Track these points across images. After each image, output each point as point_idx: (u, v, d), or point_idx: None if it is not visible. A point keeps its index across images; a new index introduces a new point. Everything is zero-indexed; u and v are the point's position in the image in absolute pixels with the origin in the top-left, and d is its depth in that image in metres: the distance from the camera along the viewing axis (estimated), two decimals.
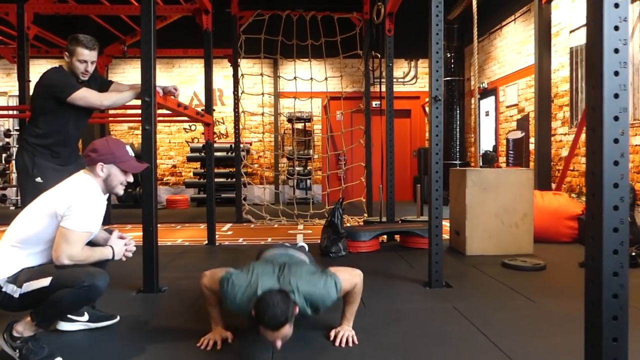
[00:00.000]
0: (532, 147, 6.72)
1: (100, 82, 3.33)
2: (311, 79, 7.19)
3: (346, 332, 2.33)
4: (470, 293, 3.21)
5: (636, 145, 4.70)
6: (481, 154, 4.95)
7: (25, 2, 5.01)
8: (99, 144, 2.18)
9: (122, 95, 3.14)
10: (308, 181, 9.65)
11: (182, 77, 9.77)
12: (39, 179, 3.01)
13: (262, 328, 2.01)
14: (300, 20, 7.05)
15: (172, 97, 3.33)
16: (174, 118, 6.22)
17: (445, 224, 4.95)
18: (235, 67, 6.90)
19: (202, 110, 5.15)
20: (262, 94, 7.70)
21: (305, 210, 7.13)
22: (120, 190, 2.24)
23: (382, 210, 5.88)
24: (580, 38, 5.58)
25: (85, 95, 2.97)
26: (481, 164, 4.69)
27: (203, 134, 7.03)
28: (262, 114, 8.30)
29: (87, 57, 2.97)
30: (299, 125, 9.80)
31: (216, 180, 9.47)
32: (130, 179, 2.26)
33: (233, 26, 6.88)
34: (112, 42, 7.09)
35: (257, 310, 2.02)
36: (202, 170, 9.34)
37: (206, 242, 5.11)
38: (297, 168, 9.47)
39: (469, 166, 9.09)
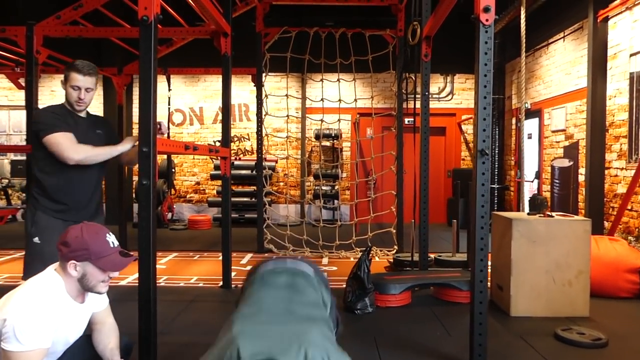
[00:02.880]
0: (581, 178, 6.08)
1: (109, 135, 2.96)
2: (339, 100, 6.72)
3: None
4: None
5: None
6: (529, 197, 4.39)
7: (35, 24, 4.72)
8: (71, 236, 1.77)
9: (98, 152, 2.73)
10: (335, 201, 9.19)
11: (208, 92, 9.47)
12: (36, 239, 2.64)
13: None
14: (329, 37, 6.60)
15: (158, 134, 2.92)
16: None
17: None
18: (260, 86, 6.51)
19: (218, 142, 4.75)
20: (287, 116, 7.26)
21: (331, 234, 6.63)
22: (102, 289, 1.84)
23: (414, 245, 5.40)
24: None
25: (58, 142, 2.58)
26: (528, 210, 4.12)
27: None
28: (287, 138, 7.85)
29: (80, 82, 2.65)
30: (327, 143, 9.36)
31: (241, 199, 9.22)
32: (115, 274, 1.85)
33: (258, 44, 6.49)
34: (133, 60, 6.80)
35: None
36: (222, 188, 8.99)
37: (221, 284, 4.72)
38: (324, 187, 9.02)
39: (507, 190, 8.47)
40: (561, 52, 6.56)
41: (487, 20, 2.76)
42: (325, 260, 6.09)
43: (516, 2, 6.74)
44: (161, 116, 9.12)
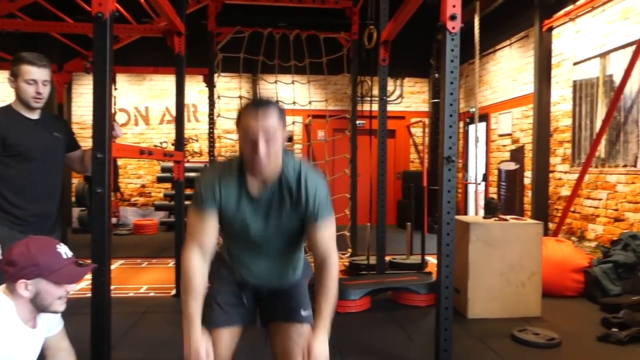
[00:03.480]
0: (527, 181, 6.33)
1: (69, 137, 2.72)
2: (294, 102, 6.64)
3: (322, 352, 1.70)
4: None
5: None
6: (485, 201, 4.50)
7: None
8: (16, 253, 1.59)
9: None
10: None
11: (154, 91, 9.11)
12: None
13: (245, 117, 1.65)
14: (283, 39, 6.50)
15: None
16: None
17: (434, 260, 4.84)
18: (212, 87, 6.33)
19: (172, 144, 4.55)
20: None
21: None
22: (59, 307, 1.67)
23: (370, 248, 5.43)
24: (584, 71, 5.20)
25: None
26: (484, 214, 4.22)
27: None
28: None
29: (36, 75, 2.36)
30: None
31: (188, 202, 8.89)
32: (73, 287, 1.69)
33: (210, 43, 6.30)
34: (73, 57, 6.41)
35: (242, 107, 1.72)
36: (174, 192, 8.68)
37: (174, 292, 4.53)
38: None
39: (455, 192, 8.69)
40: (508, 59, 6.80)
41: (453, 28, 2.78)
42: None
43: (463, 10, 6.94)
44: None
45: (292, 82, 6.63)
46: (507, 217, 4.28)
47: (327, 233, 1.84)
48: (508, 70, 6.79)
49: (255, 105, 1.66)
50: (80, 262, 1.73)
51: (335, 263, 1.84)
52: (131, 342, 3.39)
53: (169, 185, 8.91)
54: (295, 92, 7.37)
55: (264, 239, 1.85)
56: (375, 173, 4.89)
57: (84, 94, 8.86)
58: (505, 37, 6.75)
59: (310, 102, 6.80)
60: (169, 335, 3.52)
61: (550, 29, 5.73)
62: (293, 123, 7.57)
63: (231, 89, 8.65)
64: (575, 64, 5.34)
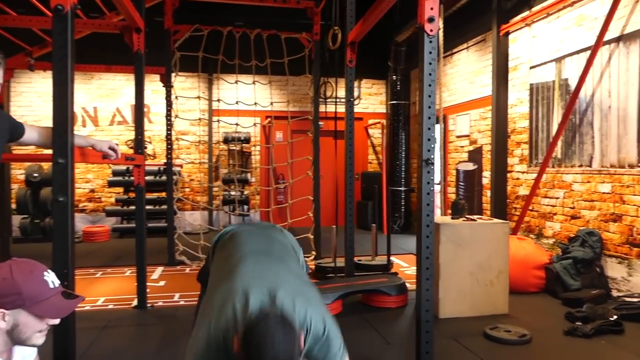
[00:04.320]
0: (485, 181, 6.49)
1: (11, 124, 2.41)
2: (255, 103, 6.52)
3: None
4: None
5: (603, 192, 4.52)
6: (451, 202, 4.56)
7: None
8: None
9: None
10: (245, 207, 8.94)
11: (103, 90, 8.70)
12: None
13: None
14: (244, 38, 6.35)
15: (110, 158, 2.57)
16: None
17: (401, 261, 4.87)
18: (169, 87, 6.09)
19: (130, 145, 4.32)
20: (199, 119, 6.91)
21: None
22: (38, 341, 1.49)
23: (336, 251, 5.39)
24: (540, 75, 5.39)
25: None
26: (451, 215, 4.27)
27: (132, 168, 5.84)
28: (199, 142, 7.51)
29: None
30: (236, 147, 9.05)
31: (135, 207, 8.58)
32: (56, 321, 1.52)
33: (167, 41, 6.07)
34: (16, 53, 6.00)
35: (248, 338, 1.44)
36: (127, 197, 8.33)
37: (135, 304, 4.31)
38: (234, 193, 8.72)
39: (413, 192, 8.81)
40: (465, 61, 6.96)
41: (431, 30, 2.77)
42: None
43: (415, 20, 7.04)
44: (47, 117, 8.23)
45: (254, 83, 6.50)
46: (475, 217, 4.35)
47: None
48: (465, 73, 6.95)
49: None
50: (69, 292, 1.56)
51: None
52: (94, 359, 3.18)
53: (120, 189, 8.54)
54: (251, 93, 7.26)
55: None
56: (338, 174, 4.86)
57: (24, 92, 8.34)
58: (463, 41, 6.90)
59: (272, 103, 6.70)
60: (134, 351, 3.34)
61: (507, 33, 5.90)
62: (255, 124, 7.44)
63: (186, 89, 8.40)
64: (531, 67, 5.52)
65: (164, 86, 6.31)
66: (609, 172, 4.46)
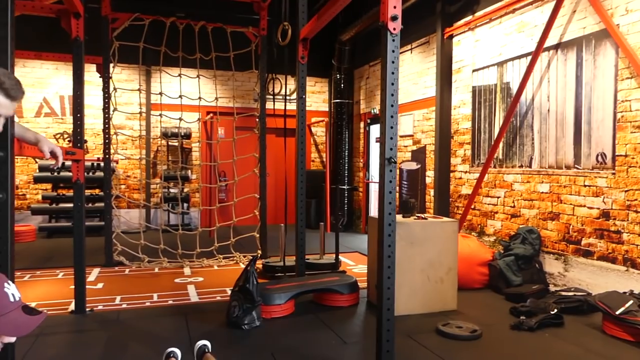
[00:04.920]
0: (428, 180, 6.66)
1: None
2: (199, 98, 6.28)
3: None
4: None
5: (542, 192, 4.76)
6: (402, 200, 4.62)
7: None
8: None
9: None
10: (185, 205, 8.64)
11: (28, 80, 8.06)
12: None
13: None
14: (188, 31, 6.10)
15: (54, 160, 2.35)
16: None
17: (347, 259, 4.43)
18: (107, 78, 5.74)
19: (68, 137, 4.02)
20: (140, 112, 6.61)
21: (185, 241, 6.11)
22: None
23: (284, 250, 5.32)
24: (483, 78, 5.59)
25: None
26: (402, 214, 4.32)
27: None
28: (138, 137, 7.14)
29: (5, 110, 1.76)
30: (175, 142, 8.72)
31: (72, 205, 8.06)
32: (11, 339, 1.34)
33: (104, 29, 5.71)
34: None
35: None
36: (55, 194, 7.79)
37: (72, 308, 4.01)
38: (173, 190, 8.40)
39: (357, 191, 8.90)
40: (409, 63, 7.09)
41: (394, 29, 2.77)
42: (187, 271, 5.63)
43: (364, 15, 7.12)
44: None
45: (198, 77, 6.27)
46: (425, 215, 4.44)
47: None
48: (409, 74, 7.08)
49: None
50: (29, 307, 1.38)
51: None
52: None
53: (48, 185, 7.99)
54: (191, 87, 7.02)
55: None
56: (284, 172, 4.79)
57: None
58: (407, 42, 7.03)
59: (217, 99, 6.50)
60: (74, 358, 3.10)
61: (451, 36, 6.08)
62: (199, 120, 7.21)
63: (122, 81, 7.97)
64: (474, 70, 5.71)
65: (100, 77, 5.94)
66: (547, 172, 4.71)
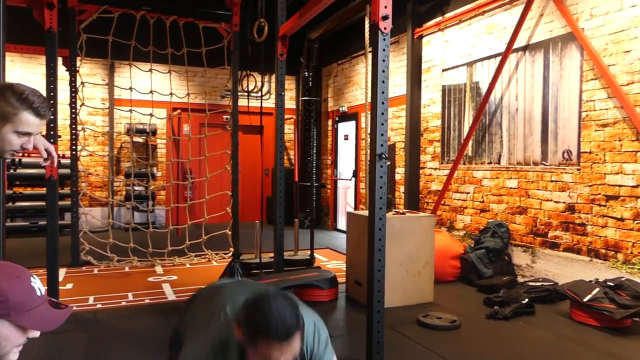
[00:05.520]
0: (398, 176, 6.81)
1: None
2: (171, 94, 6.18)
3: None
4: None
5: (510, 187, 4.98)
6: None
7: None
8: None
9: None
10: (151, 203, 8.44)
11: None
12: None
13: (265, 347, 1.37)
14: (159, 25, 5.98)
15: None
16: None
17: (320, 255, 4.39)
18: (74, 72, 5.55)
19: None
20: (109, 107, 6.41)
21: (150, 240, 5.97)
22: (14, 356, 1.28)
23: (259, 247, 5.32)
24: (452, 78, 5.77)
25: None
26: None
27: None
28: (102, 133, 6.92)
29: (34, 128, 1.70)
30: (140, 139, 8.52)
31: (31, 204, 7.74)
32: (36, 334, 1.31)
33: (71, 21, 5.52)
34: None
35: (250, 315, 1.40)
36: (12, 191, 7.46)
37: None
38: (137, 188, 8.20)
39: (324, 188, 8.98)
40: None
41: (385, 28, 2.83)
42: (159, 269, 5.53)
43: (334, 14, 7.19)
44: None
45: (169, 72, 6.16)
46: (403, 210, 4.55)
47: None
48: None
49: (279, 336, 1.38)
50: (55, 301, 1.35)
51: None
52: None
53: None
54: (158, 83, 6.88)
55: None
56: (251, 170, 4.80)
57: None
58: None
59: (188, 95, 6.41)
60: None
61: (421, 36, 6.24)
62: (170, 117, 7.07)
63: (84, 75, 7.69)
64: (444, 70, 5.89)
65: (66, 70, 5.73)
66: (515, 169, 4.92)
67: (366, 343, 2.95)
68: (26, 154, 7.79)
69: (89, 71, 8.10)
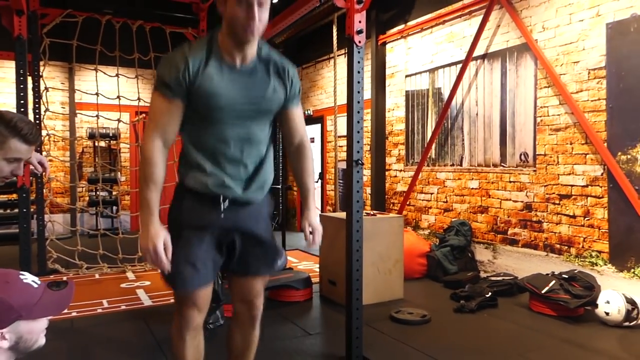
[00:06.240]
0: (364, 179, 7.02)
1: None
2: (139, 99, 6.15)
3: (320, 225, 2.12)
4: None
5: (472, 188, 5.26)
6: (341, 199, 4.90)
7: None
8: None
9: None
10: (114, 208, 8.33)
11: None
12: None
13: None
14: (125, 30, 5.95)
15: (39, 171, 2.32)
16: None
17: (291, 257, 4.53)
18: (37, 77, 5.45)
19: None
20: (77, 113, 6.31)
21: (128, 246, 5.95)
22: (43, 341, 1.39)
23: None
24: (415, 83, 6.03)
25: None
26: (341, 210, 4.58)
27: None
28: (63, 138, 6.81)
29: (23, 154, 1.76)
30: (103, 143, 8.39)
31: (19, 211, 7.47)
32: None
33: (33, 25, 5.41)
34: None
35: None
36: (17, 200, 7.23)
37: None
38: (102, 193, 8.07)
39: (290, 190, 9.10)
40: (343, 66, 7.40)
41: (359, 41, 3.01)
42: (131, 275, 5.51)
43: (298, 20, 7.33)
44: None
45: (137, 77, 6.13)
46: (373, 212, 4.74)
47: (302, 117, 2.06)
48: (343, 77, 7.39)
49: None
50: (54, 282, 1.46)
51: (310, 146, 2.14)
52: None
53: None
54: (123, 87, 6.81)
55: (241, 117, 1.84)
56: None
57: None
58: (341, 47, 7.33)
59: (139, 99, 6.38)
60: None
61: (385, 43, 6.47)
62: (136, 121, 6.99)
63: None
64: (407, 76, 6.14)
65: (29, 75, 5.60)
66: (476, 170, 5.21)
67: (346, 339, 3.12)
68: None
69: (47, 74, 7.88)
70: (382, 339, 3.52)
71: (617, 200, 3.95)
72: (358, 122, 3.05)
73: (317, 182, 8.24)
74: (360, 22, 3.01)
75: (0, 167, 1.73)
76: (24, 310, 1.32)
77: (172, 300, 4.28)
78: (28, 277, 1.41)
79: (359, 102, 3.05)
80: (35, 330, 1.35)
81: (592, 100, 4.11)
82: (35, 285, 1.39)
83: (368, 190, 6.82)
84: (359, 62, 3.04)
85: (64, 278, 5.33)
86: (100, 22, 5.80)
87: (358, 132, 3.05)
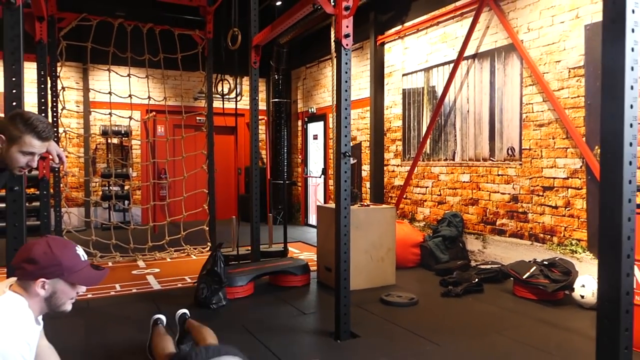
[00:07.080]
0: (364, 173, 7.31)
1: None
2: (149, 97, 6.50)
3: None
4: (380, 343, 3.32)
5: (464, 181, 5.53)
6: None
7: None
8: (38, 252, 1.59)
9: None
10: (126, 202, 8.71)
11: None
12: None
13: None
14: (136, 32, 6.30)
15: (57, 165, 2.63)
16: None
17: (293, 248, 4.90)
18: (55, 78, 5.82)
19: None
20: (91, 111, 6.66)
21: (136, 237, 6.32)
22: (69, 307, 1.70)
23: (236, 241, 5.72)
24: (411, 82, 6.30)
25: None
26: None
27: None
28: (77, 135, 7.16)
29: (37, 149, 1.99)
30: (116, 140, 8.77)
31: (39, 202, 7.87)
32: (82, 289, 1.72)
33: (50, 29, 5.78)
34: None
35: None
36: (38, 192, 7.62)
37: None
38: (114, 188, 8.45)
39: (295, 185, 9.42)
40: None
41: (347, 44, 3.30)
42: (141, 264, 5.86)
43: (301, 21, 7.62)
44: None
45: (147, 77, 6.48)
46: (367, 203, 5.04)
47: None
48: None
49: None
50: (96, 265, 1.78)
51: None
52: None
53: None
54: (134, 86, 7.17)
55: None
56: (224, 169, 5.19)
57: None
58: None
59: (165, 98, 6.73)
60: (63, 341, 3.36)
61: (383, 43, 6.75)
62: (147, 119, 7.34)
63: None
64: (404, 75, 6.41)
65: (47, 75, 5.98)
66: (468, 164, 5.48)
67: (335, 316, 3.42)
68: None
69: (63, 75, 8.28)
70: (370, 318, 3.82)
71: (594, 191, 4.20)
72: (345, 117, 3.34)
73: (320, 177, 8.55)
74: (347, 27, 3.29)
75: (17, 158, 1.97)
76: (67, 272, 1.64)
77: (179, 285, 4.61)
78: (80, 251, 1.73)
79: (346, 99, 3.33)
80: (66, 293, 1.66)
81: (572, 98, 4.37)
82: (83, 259, 1.72)
83: (368, 184, 7.11)
84: (346, 63, 3.33)
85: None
86: (113, 25, 6.15)
87: (345, 127, 3.34)
